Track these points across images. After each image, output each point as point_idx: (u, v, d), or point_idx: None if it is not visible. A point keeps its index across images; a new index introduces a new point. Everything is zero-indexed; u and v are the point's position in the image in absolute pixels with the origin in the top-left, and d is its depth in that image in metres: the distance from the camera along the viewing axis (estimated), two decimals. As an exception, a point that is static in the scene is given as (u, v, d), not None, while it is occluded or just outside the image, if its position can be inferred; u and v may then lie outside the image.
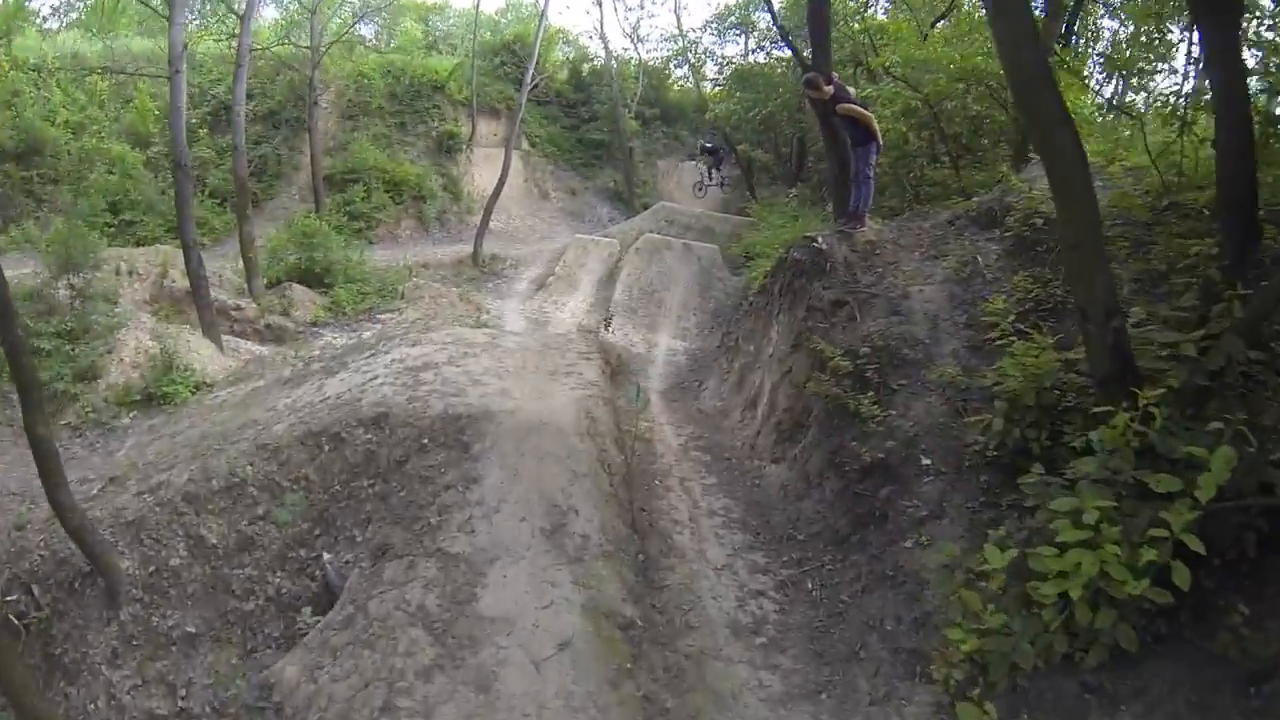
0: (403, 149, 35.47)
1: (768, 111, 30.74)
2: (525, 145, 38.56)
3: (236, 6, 26.80)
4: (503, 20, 48.70)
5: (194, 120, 32.79)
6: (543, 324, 24.33)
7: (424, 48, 45.53)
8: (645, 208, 38.65)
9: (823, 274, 13.66)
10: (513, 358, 15.70)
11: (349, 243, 29.32)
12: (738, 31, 40.21)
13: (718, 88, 40.59)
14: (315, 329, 22.69)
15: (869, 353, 11.91)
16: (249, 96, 34.16)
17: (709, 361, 22.34)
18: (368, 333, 22.57)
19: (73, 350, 16.71)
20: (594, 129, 41.91)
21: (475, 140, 37.58)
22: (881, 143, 14.96)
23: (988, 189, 16.10)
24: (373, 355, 16.08)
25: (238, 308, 22.67)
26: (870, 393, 11.44)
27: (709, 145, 34.87)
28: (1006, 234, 13.04)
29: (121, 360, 17.19)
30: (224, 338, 20.65)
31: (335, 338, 22.17)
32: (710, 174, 34.15)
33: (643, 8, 44.64)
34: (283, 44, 32.32)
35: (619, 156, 41.04)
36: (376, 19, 54.64)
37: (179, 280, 22.71)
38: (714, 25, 38.17)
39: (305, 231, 25.02)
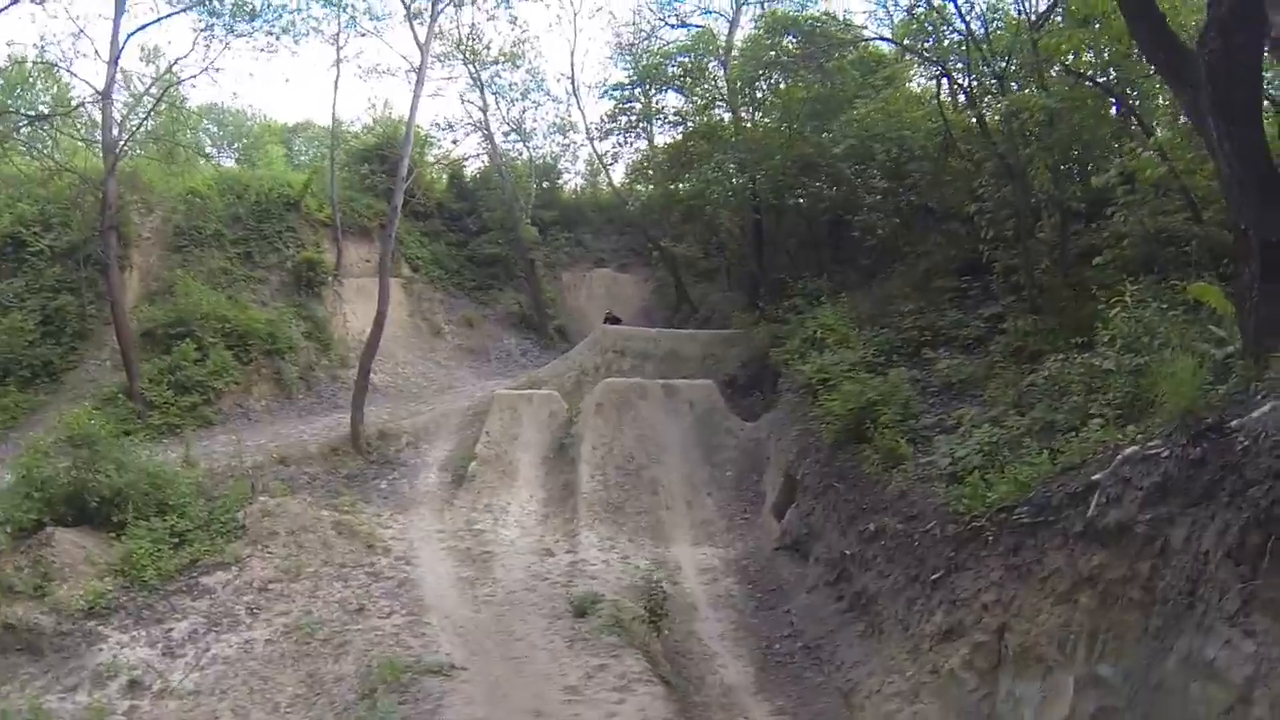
0: (249, 287, 24.87)
1: (756, 175, 22.18)
2: (405, 270, 28.77)
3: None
4: (369, 135, 38.52)
5: (-40, 261, 21.98)
6: (482, 561, 14.48)
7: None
8: (559, 331, 30.65)
9: None
10: None
11: (171, 435, 18.98)
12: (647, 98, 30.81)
13: (643, 173, 32.03)
14: (92, 623, 12.07)
15: None
16: (46, 227, 23.53)
17: (783, 583, 13.94)
18: (182, 623, 12.29)
19: None
20: (486, 242, 32.56)
21: (343, 269, 27.39)
22: None
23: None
24: None
25: (-50, 596, 11.92)
26: None
27: (610, 314, 28.05)
28: None
29: None
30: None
31: (124, 647, 11.67)
32: None
33: (525, 97, 35.38)
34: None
35: (520, 273, 32.03)
36: (237, 143, 44.31)
37: None
38: (647, 83, 28.89)
39: (73, 438, 14.41)
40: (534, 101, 43.79)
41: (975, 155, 16.54)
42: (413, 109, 21.68)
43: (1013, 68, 15.60)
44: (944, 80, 17.51)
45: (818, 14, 22.44)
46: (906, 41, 19.75)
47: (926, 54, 18.54)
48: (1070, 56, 14.15)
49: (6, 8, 16.32)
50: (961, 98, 17.91)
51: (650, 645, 11.69)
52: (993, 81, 15.83)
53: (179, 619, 12.29)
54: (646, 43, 31.52)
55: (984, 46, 15.64)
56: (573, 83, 49.12)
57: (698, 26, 29.26)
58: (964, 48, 16.35)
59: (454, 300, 30.41)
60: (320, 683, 11.07)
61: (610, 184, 34.62)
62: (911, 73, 22.91)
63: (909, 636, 10.39)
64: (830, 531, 13.48)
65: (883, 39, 20.88)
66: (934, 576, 10.30)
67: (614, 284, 33.31)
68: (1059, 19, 15.18)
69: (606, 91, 31.89)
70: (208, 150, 40.01)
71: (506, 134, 34.29)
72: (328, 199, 28.14)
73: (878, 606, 11.45)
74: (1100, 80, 14.23)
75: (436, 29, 27.47)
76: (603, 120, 31.83)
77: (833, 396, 14.33)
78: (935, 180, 18.27)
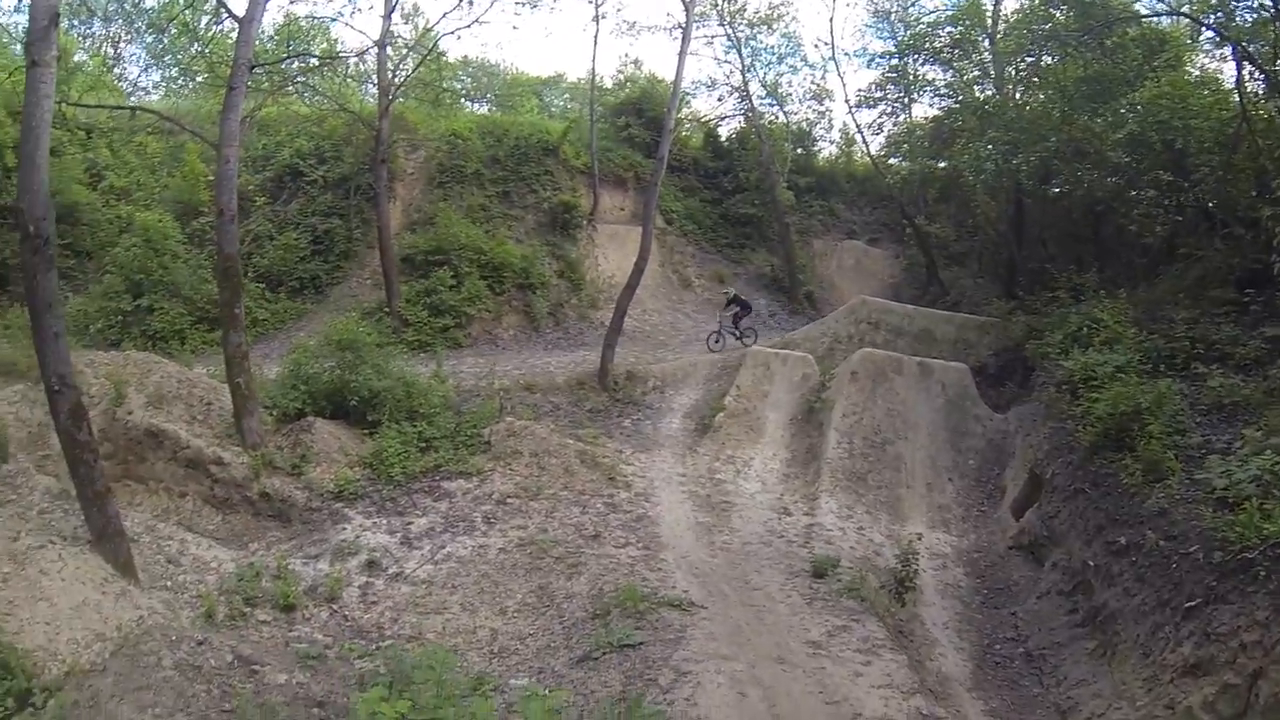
0: (506, 224, 26.05)
1: (1030, 158, 20.22)
2: (660, 222, 28.84)
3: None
4: (627, 89, 39.17)
5: (251, 186, 24.44)
6: (721, 509, 14.12)
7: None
8: (808, 297, 29.90)
9: None
10: None
11: (422, 351, 20.09)
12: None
13: (902, 147, 30.97)
14: (339, 504, 12.80)
15: None
16: (319, 160, 26.06)
17: (1012, 583, 13.13)
18: (422, 519, 12.63)
19: None
20: (741, 202, 32.13)
21: (598, 215, 28.13)
22: None
23: None
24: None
25: (219, 462, 12.94)
26: None
27: (734, 295, 24.16)
28: None
29: None
30: (168, 539, 11.03)
31: (365, 530, 12.19)
32: (735, 324, 22.98)
33: (781, 61, 34.59)
34: (297, 64, 22.83)
35: (773, 236, 31.39)
36: (489, 94, 46.87)
37: (141, 412, 13.28)
38: (909, 54, 27.82)
39: (341, 341, 15.38)
40: (790, 66, 43.01)
41: (1276, 152, 14.68)
42: (679, 65, 21.42)
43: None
44: (1241, 64, 15.24)
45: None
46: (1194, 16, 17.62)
47: (1225, 33, 16.24)
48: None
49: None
50: (1257, 84, 16.03)
51: (888, 616, 11.18)
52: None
53: (419, 515, 12.76)
54: (906, 11, 30.30)
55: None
56: (831, 49, 47.95)
57: (961, -4, 27.66)
58: (1267, 25, 14.43)
59: (705, 255, 30.29)
60: (550, 596, 11.09)
61: (868, 155, 33.17)
62: (1198, 56, 20.67)
63: (1148, 664, 9.68)
64: (1073, 539, 12.52)
65: (1172, 13, 18.55)
66: (1188, 604, 9.57)
67: (864, 257, 32.08)
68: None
69: (872, 60, 30.78)
70: (463, 99, 42.67)
71: (762, 97, 33.84)
72: (585, 148, 28.82)
73: (1116, 626, 10.55)
74: None
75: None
76: (871, 88, 30.97)
77: (1096, 397, 13.24)
78: (1221, 177, 16.27)
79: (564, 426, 16.40)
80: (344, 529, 12.15)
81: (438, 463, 14.08)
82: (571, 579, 11.28)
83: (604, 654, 9.31)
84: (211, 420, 14.02)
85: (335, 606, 10.58)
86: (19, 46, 19.36)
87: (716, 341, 22.06)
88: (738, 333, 22.34)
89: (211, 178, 22.65)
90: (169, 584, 10.13)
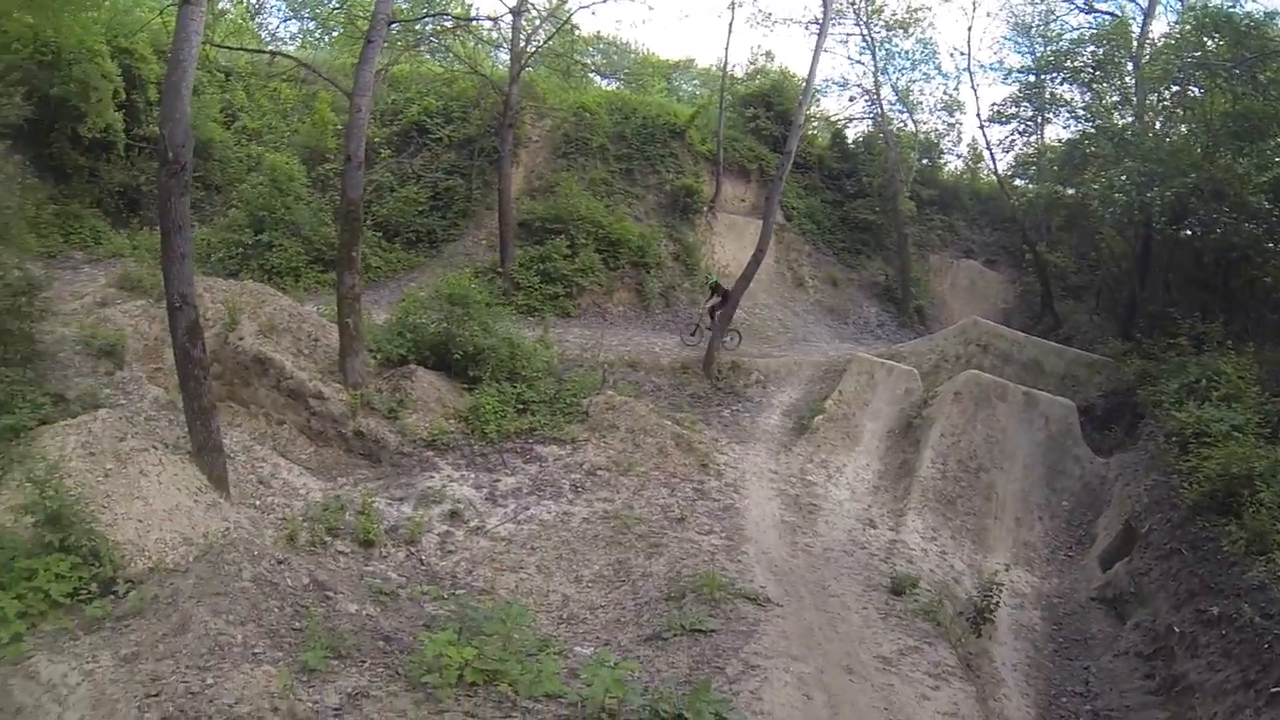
0: (626, 201, 26.15)
1: (1164, 194, 19.14)
2: (779, 217, 28.48)
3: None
4: (758, 80, 38.71)
5: (377, 139, 25.30)
6: (808, 511, 13.88)
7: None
8: (919, 312, 29.36)
9: None
10: None
11: (530, 316, 20.42)
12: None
13: (1030, 169, 30.23)
14: (430, 453, 13.03)
15: None
16: (446, 120, 26.59)
17: (1089, 636, 12.45)
18: (510, 478, 12.71)
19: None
20: (862, 207, 31.55)
21: (719, 203, 27.99)
22: None
23: None
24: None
25: (319, 396, 13.27)
26: None
27: (715, 281, 21.59)
28: None
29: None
30: (262, 461, 11.38)
31: (453, 481, 12.34)
32: (712, 316, 20.68)
33: (915, 68, 33.92)
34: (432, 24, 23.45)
35: (890, 245, 30.81)
36: (617, 72, 47.13)
37: (251, 339, 13.69)
38: (1046, 72, 27.07)
39: (452, 296, 15.60)
40: (924, 74, 42.06)
41: None
42: (813, 61, 21.02)
43: None
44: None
45: (1257, 13, 18.79)
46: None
47: None
48: None
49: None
50: None
51: (960, 646, 10.80)
52: None
53: (507, 474, 12.87)
54: (1047, 27, 29.39)
55: None
56: (967, 60, 46.89)
57: (1107, 15, 26.55)
58: None
59: (821, 256, 29.87)
60: (627, 572, 11.05)
61: (995, 173, 32.14)
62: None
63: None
64: (1161, 600, 11.85)
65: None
66: (1274, 689, 9.17)
67: (979, 278, 31.30)
68: None
69: (1008, 75, 29.73)
70: (591, 75, 42.98)
71: (892, 102, 33.18)
72: (711, 135, 28.64)
73: (1194, 699, 9.98)
74: None
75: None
76: (1004, 103, 30.03)
77: (1207, 455, 12.52)
78: None
79: (663, 408, 16.33)
80: (432, 477, 12.37)
81: (533, 426, 14.21)
82: (651, 558, 11.19)
83: (674, 636, 9.23)
84: (317, 356, 14.41)
85: (413, 549, 10.77)
86: (171, -10, 20.29)
87: (693, 334, 20.74)
88: (715, 328, 20.11)
89: (340, 126, 23.62)
90: (257, 503, 10.46)
